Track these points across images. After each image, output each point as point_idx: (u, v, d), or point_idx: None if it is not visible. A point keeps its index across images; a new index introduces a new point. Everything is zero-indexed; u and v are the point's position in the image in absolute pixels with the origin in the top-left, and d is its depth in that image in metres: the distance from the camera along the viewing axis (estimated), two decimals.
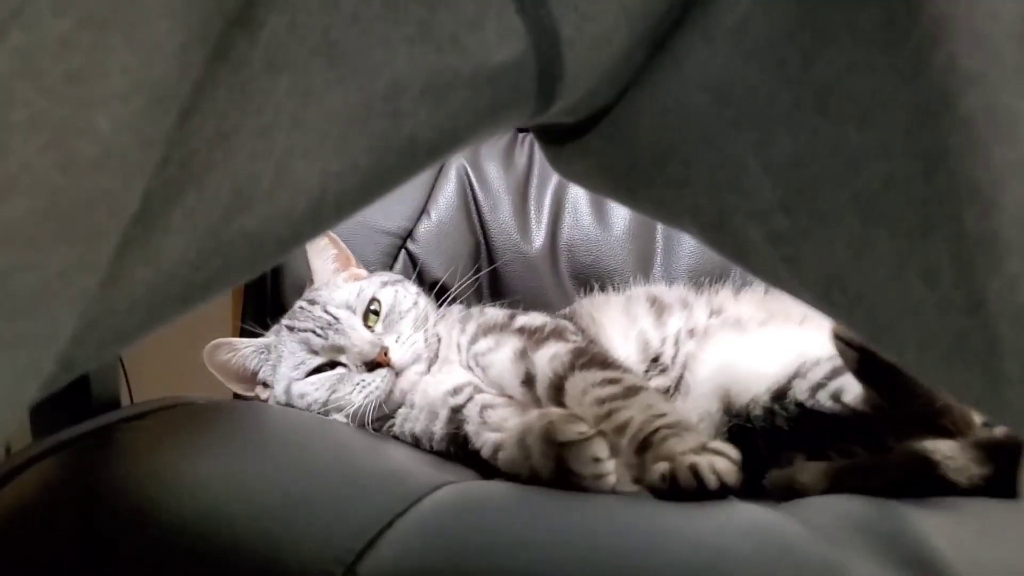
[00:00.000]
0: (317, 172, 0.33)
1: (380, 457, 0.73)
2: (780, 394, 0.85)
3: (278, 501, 0.51)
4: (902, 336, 0.33)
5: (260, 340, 1.01)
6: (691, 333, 0.98)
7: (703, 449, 0.65)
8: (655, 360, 0.97)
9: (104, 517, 0.50)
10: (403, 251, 1.26)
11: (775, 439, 0.84)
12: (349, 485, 0.57)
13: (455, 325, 1.01)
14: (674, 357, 0.96)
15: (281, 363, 0.97)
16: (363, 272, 1.12)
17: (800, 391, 0.83)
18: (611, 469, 0.68)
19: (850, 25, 0.32)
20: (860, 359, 0.73)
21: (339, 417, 0.92)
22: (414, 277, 1.21)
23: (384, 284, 1.04)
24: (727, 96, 0.36)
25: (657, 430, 0.69)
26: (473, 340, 0.97)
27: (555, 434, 0.68)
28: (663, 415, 0.72)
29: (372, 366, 0.93)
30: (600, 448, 0.67)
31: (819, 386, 0.82)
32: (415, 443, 0.91)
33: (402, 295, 1.02)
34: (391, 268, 1.23)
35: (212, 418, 0.67)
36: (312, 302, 1.01)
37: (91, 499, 0.51)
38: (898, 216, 0.32)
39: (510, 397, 0.91)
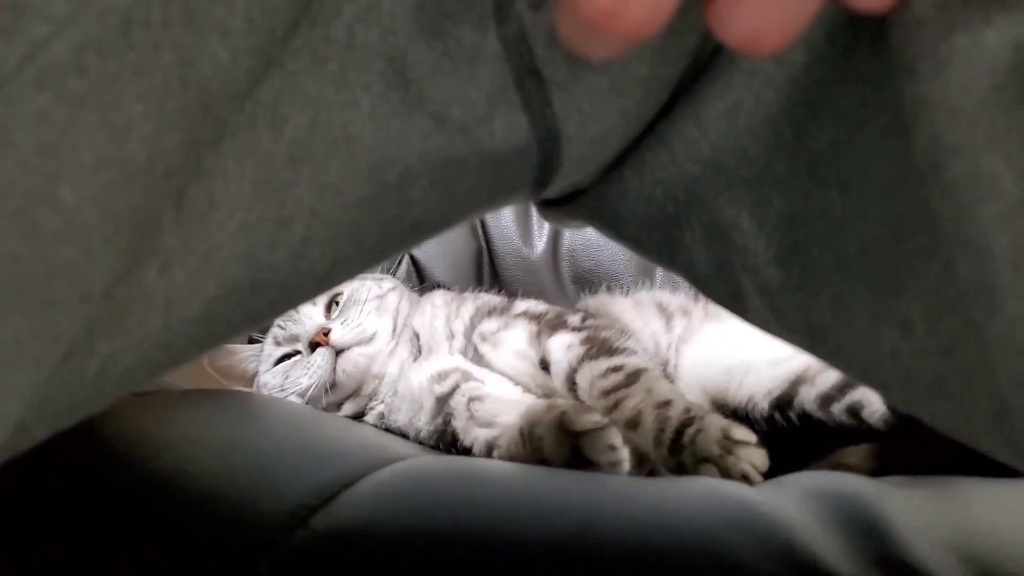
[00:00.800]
0: (329, 258, 0.35)
1: (345, 432, 0.74)
2: (783, 402, 0.84)
3: (239, 462, 0.53)
4: (884, 378, 0.35)
5: (256, 345, 1.05)
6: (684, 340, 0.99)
7: (727, 440, 0.67)
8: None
9: (86, 473, 0.54)
10: (406, 256, 1.29)
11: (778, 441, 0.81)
12: (309, 452, 0.59)
13: (438, 310, 1.03)
14: (669, 365, 0.97)
15: (263, 359, 1.01)
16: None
17: (807, 400, 0.82)
18: (626, 456, 0.69)
19: (833, 105, 0.35)
20: None
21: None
22: (417, 282, 1.24)
23: (354, 279, 1.05)
24: (720, 165, 0.38)
25: (680, 429, 0.70)
26: (475, 321, 0.98)
27: (570, 424, 0.69)
28: (667, 403, 0.73)
29: (314, 347, 0.96)
30: (615, 437, 0.69)
31: (830, 398, 0.81)
32: (402, 436, 0.92)
33: (367, 287, 1.04)
34: (394, 274, 1.25)
35: (187, 399, 0.70)
36: None
37: (80, 458, 0.55)
38: (873, 274, 0.34)
39: (512, 381, 0.93)
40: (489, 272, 1.27)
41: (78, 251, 0.27)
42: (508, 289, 1.23)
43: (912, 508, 0.54)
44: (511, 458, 0.76)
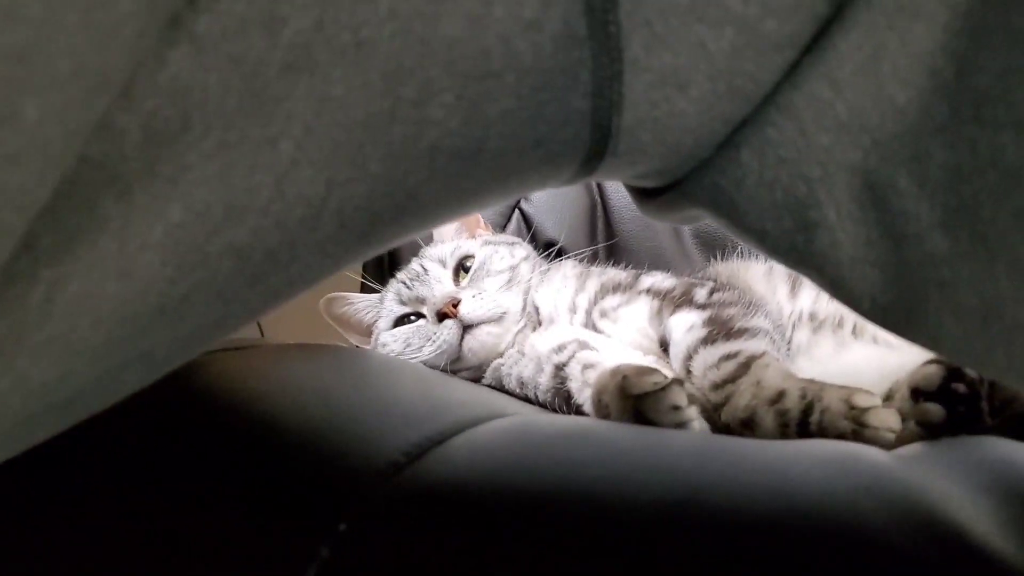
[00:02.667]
0: (323, 182, 0.31)
1: (446, 388, 0.72)
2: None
3: (330, 417, 0.51)
4: None
5: (374, 295, 1.03)
6: (812, 318, 0.92)
7: (854, 410, 0.62)
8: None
9: (189, 417, 0.53)
10: (516, 211, 1.26)
11: None
12: (405, 408, 0.56)
13: (568, 282, 0.99)
14: (789, 340, 0.91)
15: (382, 313, 0.99)
16: (487, 233, 1.12)
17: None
18: (694, 415, 0.65)
19: (1004, 25, 0.29)
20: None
21: None
22: (527, 237, 1.20)
23: (486, 243, 1.03)
24: (862, 126, 0.33)
25: (803, 420, 0.65)
26: (599, 296, 0.95)
27: (630, 388, 0.65)
28: (781, 395, 0.67)
29: (441, 317, 0.92)
30: (678, 396, 0.64)
31: None
32: (520, 387, 0.90)
33: (500, 255, 1.00)
34: (504, 228, 1.23)
35: (285, 353, 0.69)
36: (419, 257, 1.02)
37: (183, 403, 0.54)
38: None
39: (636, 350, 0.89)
40: (604, 228, 1.23)
41: (33, 175, 0.24)
42: (623, 247, 1.19)
43: None
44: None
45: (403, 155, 0.32)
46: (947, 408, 0.58)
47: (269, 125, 0.29)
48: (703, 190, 0.38)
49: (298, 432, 0.49)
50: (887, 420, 0.61)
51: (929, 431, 0.59)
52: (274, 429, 0.49)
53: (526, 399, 0.89)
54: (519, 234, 1.22)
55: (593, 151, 0.36)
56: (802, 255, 0.37)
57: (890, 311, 0.36)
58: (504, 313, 0.94)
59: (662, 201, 0.41)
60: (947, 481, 0.47)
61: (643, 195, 0.43)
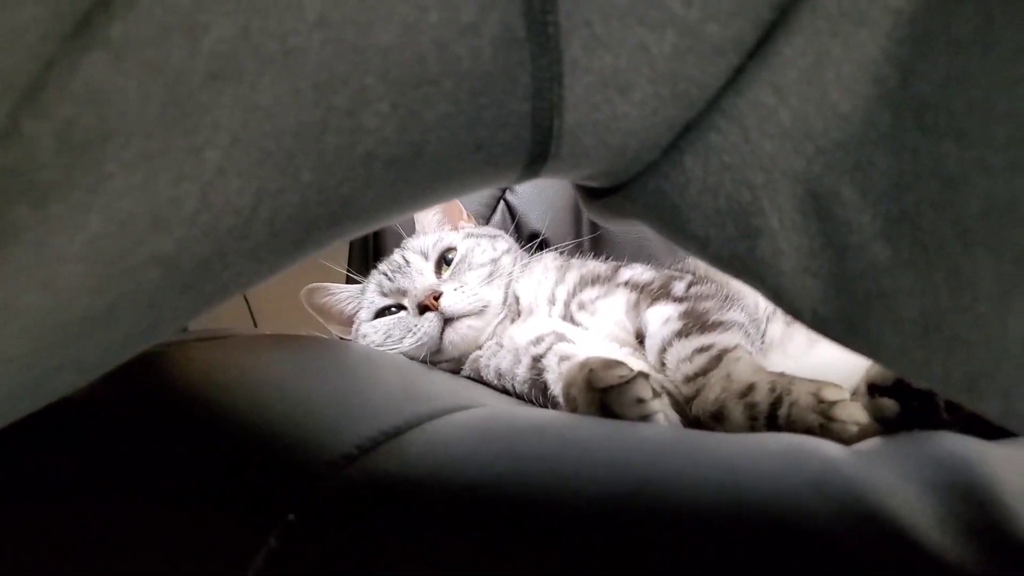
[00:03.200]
0: (252, 191, 0.31)
1: (415, 380, 0.73)
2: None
3: (292, 407, 0.52)
4: (1006, 381, 0.29)
5: (355, 286, 1.04)
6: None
7: (823, 404, 0.63)
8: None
9: (153, 406, 0.55)
10: (501, 202, 1.26)
11: None
12: (368, 399, 0.57)
13: (548, 274, 0.99)
14: (763, 334, 0.91)
15: (363, 304, 1.00)
16: (470, 225, 1.12)
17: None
18: (658, 408, 0.65)
19: (945, 34, 0.29)
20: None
21: None
22: (512, 228, 1.20)
23: (468, 236, 1.03)
24: (806, 133, 0.33)
25: (771, 413, 0.65)
26: (577, 289, 0.95)
27: (596, 381, 0.66)
28: (750, 388, 0.68)
29: (423, 309, 0.93)
30: (643, 389, 0.65)
31: None
32: (498, 378, 0.91)
33: (481, 248, 1.01)
34: (489, 219, 1.23)
35: (256, 343, 0.70)
36: (401, 248, 1.02)
37: (148, 392, 0.55)
38: (1003, 240, 0.29)
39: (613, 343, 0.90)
40: (588, 220, 1.23)
41: None
42: (608, 239, 1.19)
43: None
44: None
45: (337, 164, 0.32)
46: (901, 403, 0.59)
47: (194, 134, 0.28)
48: (647, 194, 0.38)
49: (257, 423, 0.50)
50: (854, 414, 0.62)
51: (885, 426, 0.59)
52: (235, 419, 0.50)
53: (504, 390, 0.90)
54: (504, 225, 1.23)
55: (535, 153, 0.36)
56: (744, 263, 0.37)
57: (830, 322, 0.36)
58: (485, 306, 0.95)
59: (606, 203, 0.41)
60: (894, 476, 0.48)
61: (589, 195, 0.42)
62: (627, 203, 0.39)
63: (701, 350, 0.77)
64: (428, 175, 0.35)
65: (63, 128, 0.26)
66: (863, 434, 0.61)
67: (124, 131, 0.27)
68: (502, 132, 0.35)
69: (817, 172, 0.33)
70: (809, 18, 0.31)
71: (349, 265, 1.14)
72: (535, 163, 0.37)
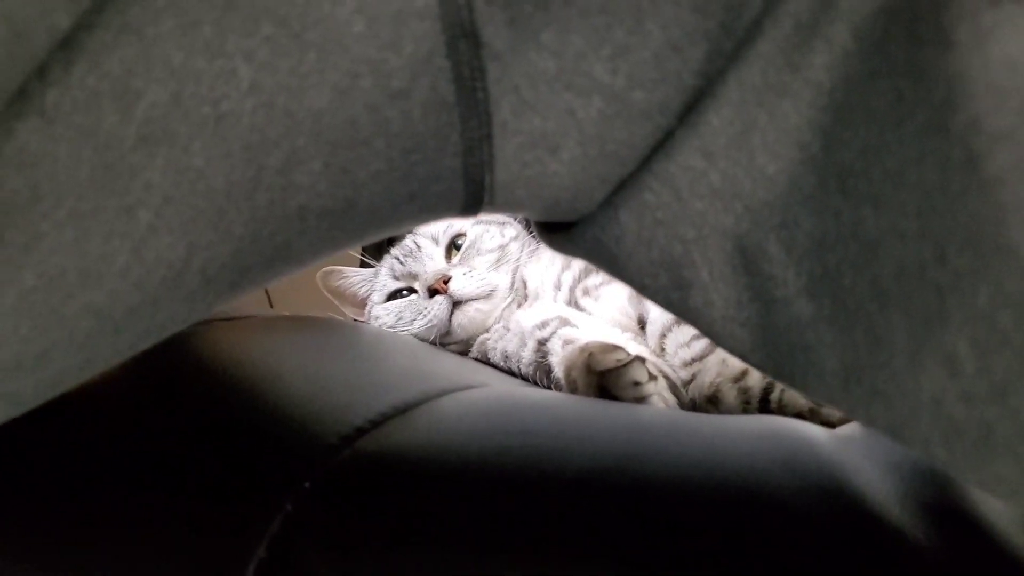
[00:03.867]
0: (183, 246, 0.31)
1: (422, 360, 0.77)
2: None
3: (302, 385, 0.56)
4: (924, 431, 0.30)
5: (369, 269, 1.08)
6: None
7: None
8: None
9: (179, 381, 0.59)
10: None
11: None
12: (377, 378, 0.61)
13: (556, 260, 1.02)
14: None
15: (376, 287, 1.04)
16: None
17: None
18: (653, 391, 0.69)
19: (864, 105, 0.30)
20: None
21: None
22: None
23: (478, 222, 1.06)
24: (735, 193, 0.33)
25: (764, 396, 0.68)
26: (583, 275, 0.98)
27: (595, 364, 0.70)
28: (744, 372, 0.71)
29: (432, 293, 0.96)
30: (639, 372, 0.68)
31: None
32: (504, 360, 0.94)
33: (490, 234, 1.04)
34: None
35: (271, 324, 0.74)
36: (413, 233, 1.06)
37: (178, 369, 0.59)
38: (913, 302, 0.29)
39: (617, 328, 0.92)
40: None
41: None
42: None
43: None
44: None
45: (270, 217, 0.33)
46: None
47: (126, 195, 0.29)
48: (586, 242, 0.39)
49: (275, 398, 0.54)
50: None
51: None
52: (255, 395, 0.55)
53: (509, 372, 0.94)
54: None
55: (469, 202, 0.37)
56: (679, 310, 0.39)
57: (761, 367, 0.37)
58: (493, 290, 0.98)
59: (553, 239, 0.42)
60: (862, 457, 0.51)
61: (541, 227, 0.44)
62: (570, 244, 0.41)
63: (699, 336, 0.80)
64: (363, 223, 0.36)
65: None
66: (846, 418, 0.64)
67: (54, 192, 0.27)
68: (435, 184, 0.36)
69: (745, 229, 0.34)
70: (736, 90, 0.32)
71: (363, 250, 1.18)
72: (469, 209, 0.38)
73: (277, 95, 0.29)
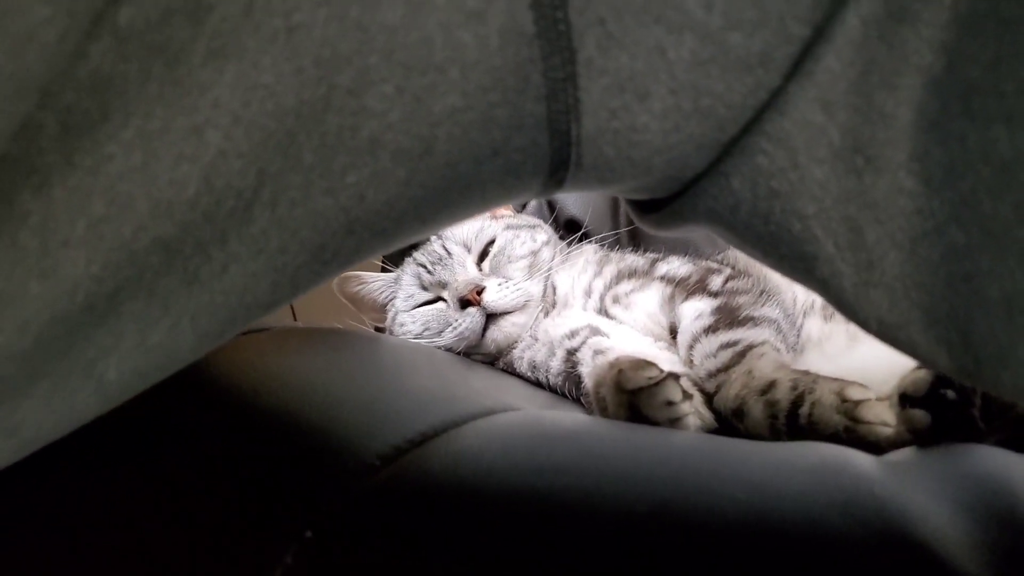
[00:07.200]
0: (253, 173, 0.30)
1: (450, 379, 0.73)
2: None
3: (331, 405, 0.53)
4: None
5: (388, 274, 1.04)
6: (824, 306, 0.91)
7: (846, 403, 0.61)
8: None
9: (207, 395, 0.55)
10: None
11: None
12: (406, 399, 0.57)
13: (588, 268, 0.98)
14: (799, 329, 0.89)
15: (399, 294, 1.00)
16: (508, 213, 1.12)
17: None
18: (688, 411, 0.65)
19: (994, 14, 0.28)
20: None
21: None
22: (549, 216, 1.19)
23: (508, 227, 1.02)
24: (856, 147, 0.32)
25: (792, 412, 0.64)
26: (613, 282, 0.94)
27: (625, 383, 0.65)
28: (771, 385, 0.67)
29: (464, 304, 0.92)
30: (672, 391, 0.64)
31: None
32: (531, 371, 0.91)
33: (521, 240, 0.99)
34: (524, 205, 1.22)
35: (298, 337, 0.70)
36: (438, 236, 1.02)
37: (185, 391, 0.56)
38: None
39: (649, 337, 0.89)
40: (626, 204, 1.21)
41: None
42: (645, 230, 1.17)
43: None
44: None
45: (340, 145, 0.31)
46: (934, 415, 0.57)
47: (194, 113, 0.28)
48: (697, 215, 0.37)
49: (283, 427, 0.51)
50: (880, 414, 0.60)
51: (917, 438, 0.58)
52: (261, 422, 0.51)
53: (536, 383, 0.90)
54: (540, 211, 1.21)
55: (556, 161, 0.35)
56: (805, 279, 0.37)
57: (903, 324, 0.35)
58: (527, 301, 0.94)
59: (656, 218, 0.40)
60: (926, 496, 0.46)
61: (639, 208, 0.42)
62: (679, 219, 0.39)
63: (726, 346, 0.76)
64: (443, 180, 0.34)
65: (66, 114, 0.26)
66: (894, 441, 0.60)
67: (123, 111, 0.27)
68: (517, 136, 0.34)
69: (870, 182, 0.32)
70: (858, 27, 0.30)
71: (384, 257, 1.15)
72: (557, 172, 0.36)
73: (349, 6, 0.28)
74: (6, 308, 0.28)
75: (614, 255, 1.00)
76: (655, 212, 0.40)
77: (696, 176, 0.36)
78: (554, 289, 0.97)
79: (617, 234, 1.12)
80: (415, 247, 1.07)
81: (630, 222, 1.20)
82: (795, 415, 0.63)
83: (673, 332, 0.86)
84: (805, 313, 0.89)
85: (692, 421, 0.65)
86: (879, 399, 0.61)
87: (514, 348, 0.93)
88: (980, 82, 0.29)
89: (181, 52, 0.27)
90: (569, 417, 0.61)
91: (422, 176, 0.33)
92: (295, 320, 1.30)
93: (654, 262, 0.96)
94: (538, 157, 0.35)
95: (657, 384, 0.64)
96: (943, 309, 0.33)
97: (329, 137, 0.31)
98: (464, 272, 0.96)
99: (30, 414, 0.31)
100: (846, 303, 0.36)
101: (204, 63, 0.27)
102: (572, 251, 1.02)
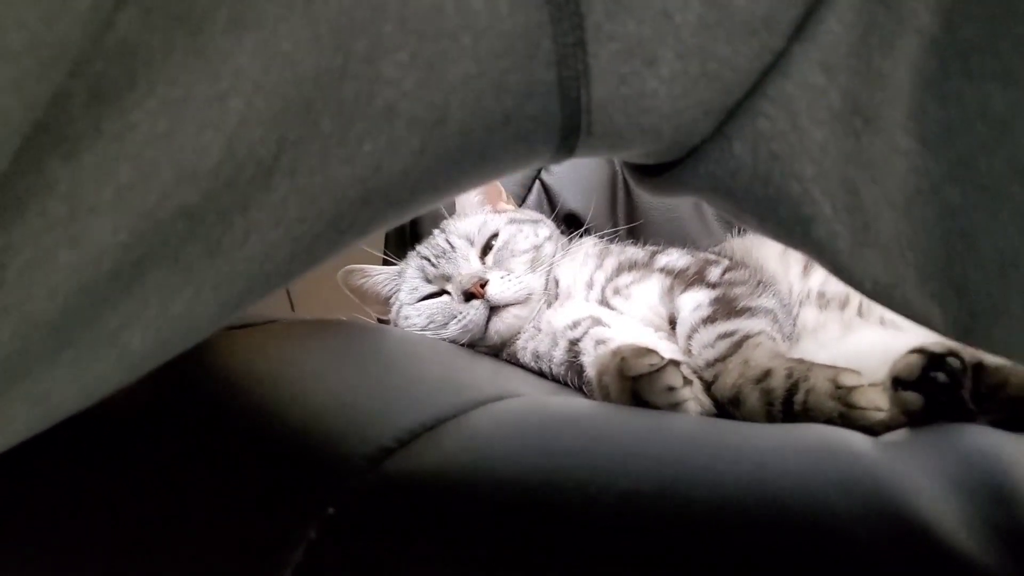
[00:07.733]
0: (274, 140, 0.31)
1: (452, 368, 0.74)
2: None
3: (329, 399, 0.54)
4: None
5: (392, 267, 1.05)
6: (820, 296, 0.93)
7: (840, 390, 0.63)
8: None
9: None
10: (537, 181, 1.26)
11: None
12: (404, 390, 0.58)
13: (589, 260, 1.00)
14: (795, 319, 0.91)
15: (403, 287, 1.01)
16: (510, 207, 1.13)
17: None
18: (688, 396, 0.66)
19: None
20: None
21: None
22: (548, 209, 1.21)
23: (512, 221, 1.03)
24: (855, 108, 0.33)
25: (787, 399, 0.65)
26: (614, 274, 0.96)
27: (627, 369, 0.67)
28: (767, 373, 0.68)
29: (468, 297, 0.94)
30: (673, 377, 0.66)
31: None
32: (535, 361, 0.92)
33: (524, 234, 1.01)
34: (524, 199, 1.23)
35: (297, 330, 0.71)
36: (442, 230, 1.03)
37: (187, 383, 0.57)
38: None
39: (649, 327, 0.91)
40: (624, 200, 1.23)
41: None
42: (644, 218, 1.19)
43: None
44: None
45: (357, 113, 0.32)
46: (926, 397, 0.59)
47: (217, 81, 0.28)
48: (698, 179, 0.38)
49: (297, 415, 0.52)
50: (873, 399, 0.62)
51: (911, 419, 0.60)
52: (275, 412, 0.52)
53: (540, 372, 0.92)
54: (539, 205, 1.23)
55: (566, 128, 0.36)
56: (801, 242, 0.37)
57: (898, 284, 0.36)
58: (530, 294, 0.96)
59: (656, 183, 0.41)
60: (921, 473, 0.48)
61: (639, 172, 0.42)
62: (679, 185, 0.39)
63: (724, 336, 0.78)
64: (457, 149, 0.35)
65: (95, 83, 0.27)
66: (888, 424, 0.61)
67: (148, 79, 0.27)
68: (529, 103, 0.34)
69: (867, 142, 0.33)
70: None
71: (386, 247, 1.16)
72: (568, 139, 0.37)
73: None
74: (36, 276, 0.28)
75: (615, 248, 1.02)
76: (656, 176, 0.40)
77: (702, 140, 0.37)
78: (556, 282, 0.99)
79: (617, 231, 1.13)
80: (418, 239, 1.08)
81: (629, 210, 1.22)
82: (790, 402, 0.65)
83: (672, 322, 0.88)
84: (801, 303, 0.91)
85: (692, 406, 0.66)
86: (872, 385, 0.63)
87: (517, 339, 0.95)
88: (977, 40, 0.30)
89: (203, 21, 0.28)
90: (574, 402, 0.63)
91: (436, 145, 0.34)
92: (292, 307, 1.32)
93: (654, 254, 0.98)
94: (549, 124, 0.36)
95: (658, 371, 0.65)
96: (937, 267, 0.34)
97: (346, 105, 0.31)
98: (468, 265, 0.98)
99: (56, 384, 0.31)
100: (842, 265, 0.37)
101: (225, 31, 0.28)
102: (572, 245, 1.04)
